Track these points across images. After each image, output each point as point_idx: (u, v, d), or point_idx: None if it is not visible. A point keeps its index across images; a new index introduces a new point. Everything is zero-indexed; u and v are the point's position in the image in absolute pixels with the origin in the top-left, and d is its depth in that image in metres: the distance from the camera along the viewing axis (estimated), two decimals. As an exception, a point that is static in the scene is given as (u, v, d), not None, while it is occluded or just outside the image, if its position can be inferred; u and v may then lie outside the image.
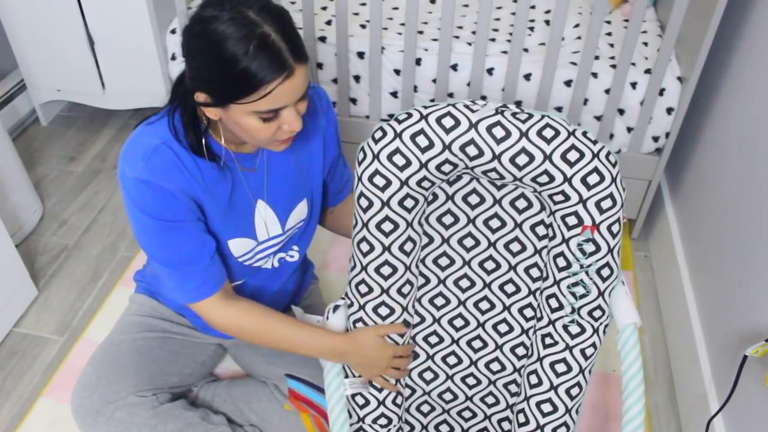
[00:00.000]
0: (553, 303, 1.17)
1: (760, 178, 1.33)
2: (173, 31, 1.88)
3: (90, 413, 1.27)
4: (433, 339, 1.29)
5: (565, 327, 1.17)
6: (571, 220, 1.10)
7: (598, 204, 1.08)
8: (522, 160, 1.06)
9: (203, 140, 1.11)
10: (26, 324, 1.74)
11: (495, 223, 1.22)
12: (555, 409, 1.17)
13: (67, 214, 2.09)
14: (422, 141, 1.07)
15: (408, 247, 1.15)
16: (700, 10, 1.58)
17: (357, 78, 1.85)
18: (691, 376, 1.49)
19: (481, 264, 1.24)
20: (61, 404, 1.52)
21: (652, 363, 1.66)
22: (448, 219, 1.22)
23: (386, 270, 1.15)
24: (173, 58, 1.91)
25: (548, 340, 1.18)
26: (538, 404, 1.19)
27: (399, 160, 1.08)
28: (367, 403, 1.24)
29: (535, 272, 1.22)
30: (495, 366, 1.29)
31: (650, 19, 1.93)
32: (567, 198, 1.09)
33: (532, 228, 1.20)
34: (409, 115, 1.09)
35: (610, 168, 1.07)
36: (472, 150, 1.07)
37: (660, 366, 1.65)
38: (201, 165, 1.11)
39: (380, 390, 1.24)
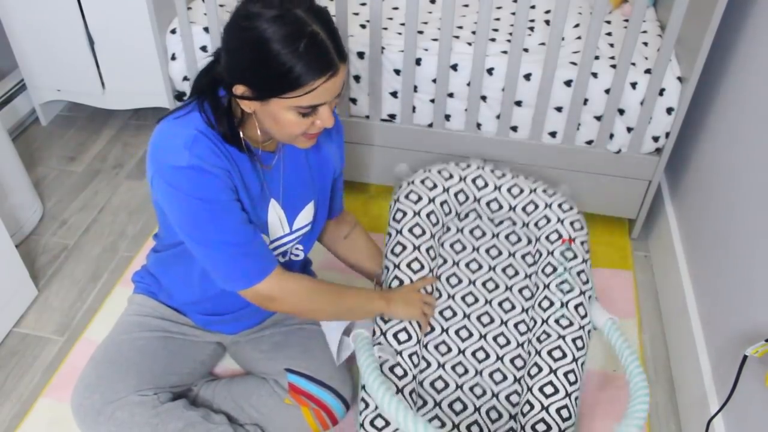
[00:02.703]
0: (545, 303, 1.42)
1: (760, 177, 1.33)
2: (173, 31, 1.88)
3: (90, 413, 1.27)
4: (443, 348, 1.43)
5: (556, 321, 1.39)
6: (553, 236, 1.50)
7: (572, 224, 1.50)
8: (515, 191, 1.53)
9: (239, 132, 1.13)
10: (26, 324, 1.74)
11: (494, 252, 1.55)
12: (556, 390, 1.31)
13: (67, 214, 2.09)
14: (445, 174, 1.53)
15: (432, 253, 1.46)
16: (700, 10, 1.58)
17: (357, 78, 1.85)
18: (691, 376, 1.49)
19: (483, 284, 1.50)
20: (61, 404, 1.52)
21: (652, 363, 1.66)
22: (458, 246, 1.55)
23: (415, 266, 1.43)
24: (173, 58, 1.91)
25: (543, 336, 1.38)
26: (541, 388, 1.33)
27: (429, 183, 1.51)
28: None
29: (527, 293, 1.50)
30: (498, 376, 1.41)
31: (650, 19, 1.93)
32: (548, 220, 1.52)
33: (523, 257, 1.54)
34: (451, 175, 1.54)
35: (574, 205, 1.54)
36: (480, 182, 1.54)
37: (660, 366, 1.65)
38: (235, 156, 1.13)
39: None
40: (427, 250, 1.45)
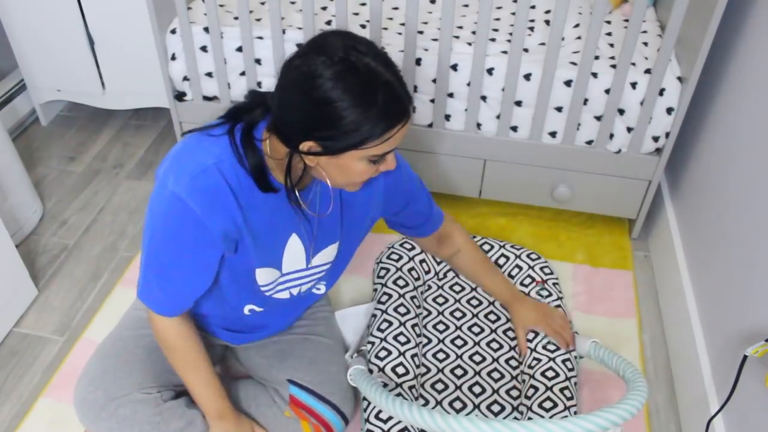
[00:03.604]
0: (530, 335, 1.54)
1: (760, 177, 1.33)
2: (173, 31, 1.88)
3: (93, 408, 1.27)
4: (440, 386, 1.52)
5: (543, 347, 1.50)
6: (527, 281, 1.70)
7: (541, 269, 1.72)
8: (486, 247, 1.78)
9: (295, 188, 1.11)
10: (26, 324, 1.74)
11: (474, 302, 1.71)
12: (555, 405, 1.39)
13: (67, 214, 2.09)
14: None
15: (416, 302, 1.63)
16: (700, 10, 1.58)
17: (357, 78, 1.85)
18: (691, 376, 1.49)
19: (469, 328, 1.64)
20: (61, 404, 1.52)
21: (652, 363, 1.66)
22: (440, 299, 1.71)
23: (402, 310, 1.59)
24: (173, 58, 1.91)
25: (534, 362, 1.49)
26: (540, 404, 1.39)
27: (407, 245, 1.77)
28: None
29: (511, 334, 1.63)
30: (495, 408, 1.48)
31: (650, 19, 1.93)
32: (520, 269, 1.73)
33: (501, 305, 1.69)
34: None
35: (541, 255, 1.77)
36: None
37: (660, 366, 1.65)
38: (246, 191, 1.09)
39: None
40: (412, 299, 1.62)
